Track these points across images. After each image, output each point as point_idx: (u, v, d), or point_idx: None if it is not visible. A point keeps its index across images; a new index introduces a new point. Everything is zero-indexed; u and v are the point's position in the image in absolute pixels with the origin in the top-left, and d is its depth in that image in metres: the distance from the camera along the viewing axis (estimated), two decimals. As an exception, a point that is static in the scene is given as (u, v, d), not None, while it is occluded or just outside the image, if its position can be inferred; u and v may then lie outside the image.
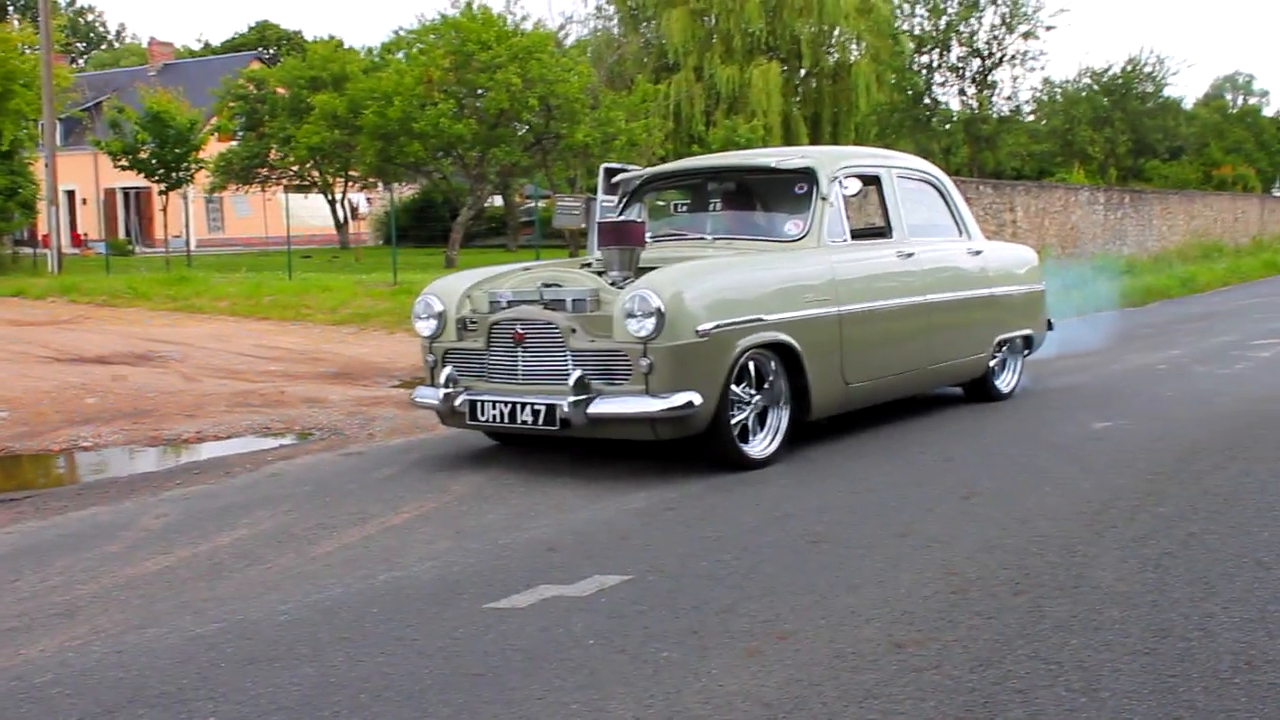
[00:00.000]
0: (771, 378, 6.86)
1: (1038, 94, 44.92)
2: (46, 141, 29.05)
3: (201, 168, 32.36)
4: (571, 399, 6.30)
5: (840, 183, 7.73)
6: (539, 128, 30.12)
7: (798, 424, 7.04)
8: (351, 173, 40.15)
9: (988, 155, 40.32)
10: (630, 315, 6.29)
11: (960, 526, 5.35)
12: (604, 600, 4.39)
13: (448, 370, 6.93)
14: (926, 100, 40.80)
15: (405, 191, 47.27)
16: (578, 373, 6.36)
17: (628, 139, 29.79)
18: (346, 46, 44.17)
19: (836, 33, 43.58)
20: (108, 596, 4.63)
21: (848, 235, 7.74)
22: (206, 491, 6.56)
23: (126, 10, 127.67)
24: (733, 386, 6.57)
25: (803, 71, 43.98)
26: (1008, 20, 38.98)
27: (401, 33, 33.82)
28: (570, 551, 5.07)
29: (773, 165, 8.00)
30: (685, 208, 8.61)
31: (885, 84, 41.03)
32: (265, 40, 67.67)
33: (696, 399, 6.29)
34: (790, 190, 7.85)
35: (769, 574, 4.66)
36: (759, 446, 6.77)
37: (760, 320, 6.69)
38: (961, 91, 40.99)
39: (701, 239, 7.90)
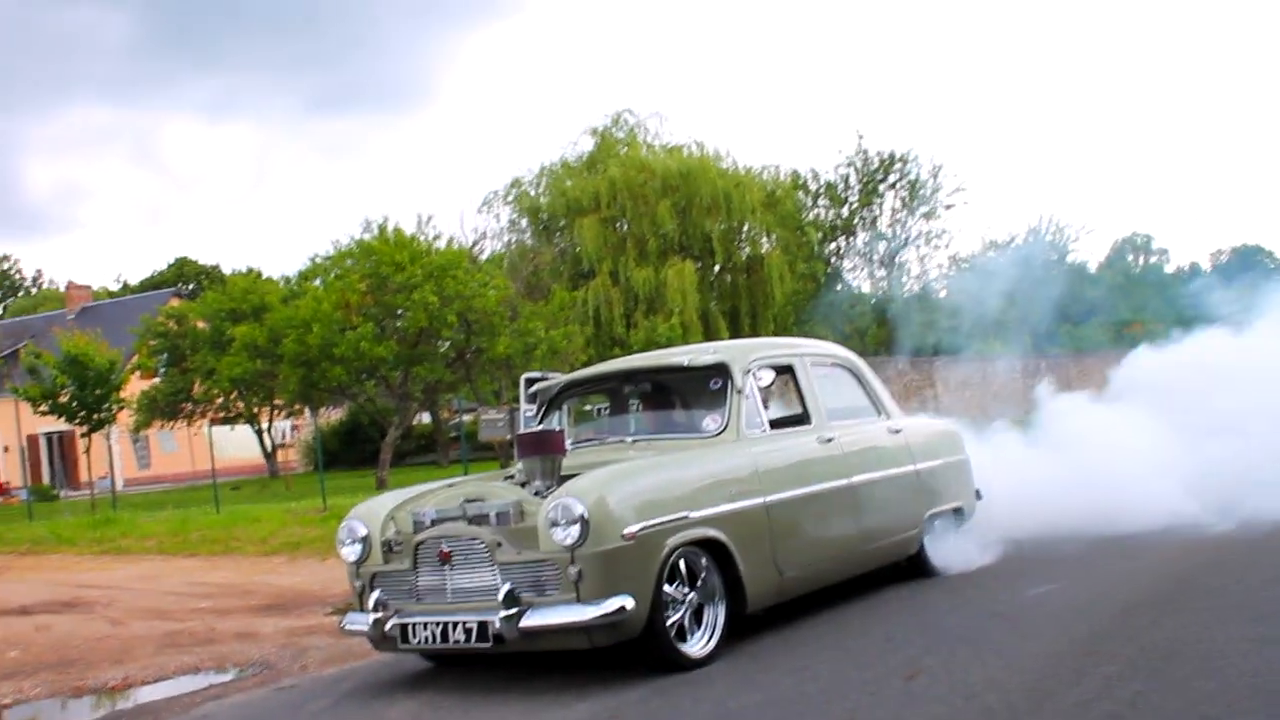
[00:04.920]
0: (704, 574, 6.79)
1: (946, 271, 46.04)
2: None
3: (124, 407, 32.06)
4: (503, 614, 6.22)
5: (754, 374, 7.83)
6: (460, 343, 30.31)
7: (736, 617, 6.97)
8: (276, 401, 40.01)
9: (903, 334, 41.08)
10: (554, 524, 6.24)
11: (905, 709, 5.29)
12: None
13: (376, 594, 6.81)
14: (838, 286, 41.67)
15: (332, 415, 47.14)
16: (507, 586, 6.30)
17: (548, 347, 30.01)
18: (265, 277, 44.53)
19: (746, 228, 44.64)
20: None
21: (766, 425, 7.80)
22: (134, 740, 6.35)
23: (43, 256, 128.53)
24: (665, 586, 6.51)
25: (716, 267, 44.82)
26: (907, 203, 40.21)
27: (318, 259, 34.19)
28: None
29: (685, 364, 8.10)
30: (605, 411, 8.68)
31: (797, 273, 41.91)
32: (184, 276, 68.01)
33: (629, 603, 6.22)
34: (706, 386, 7.92)
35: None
36: (697, 645, 6.67)
37: (686, 517, 6.66)
38: (871, 274, 41.97)
39: (621, 441, 7.95)
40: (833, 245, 41.36)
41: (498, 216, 46.09)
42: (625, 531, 6.30)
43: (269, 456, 44.25)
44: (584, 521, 6.19)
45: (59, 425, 35.40)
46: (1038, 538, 9.77)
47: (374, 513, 7.17)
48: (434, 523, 6.79)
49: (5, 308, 77.36)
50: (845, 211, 40.43)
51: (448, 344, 30.70)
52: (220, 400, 41.67)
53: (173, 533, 18.59)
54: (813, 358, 8.76)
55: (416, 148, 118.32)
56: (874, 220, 40.39)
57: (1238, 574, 7.72)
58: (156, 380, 42.67)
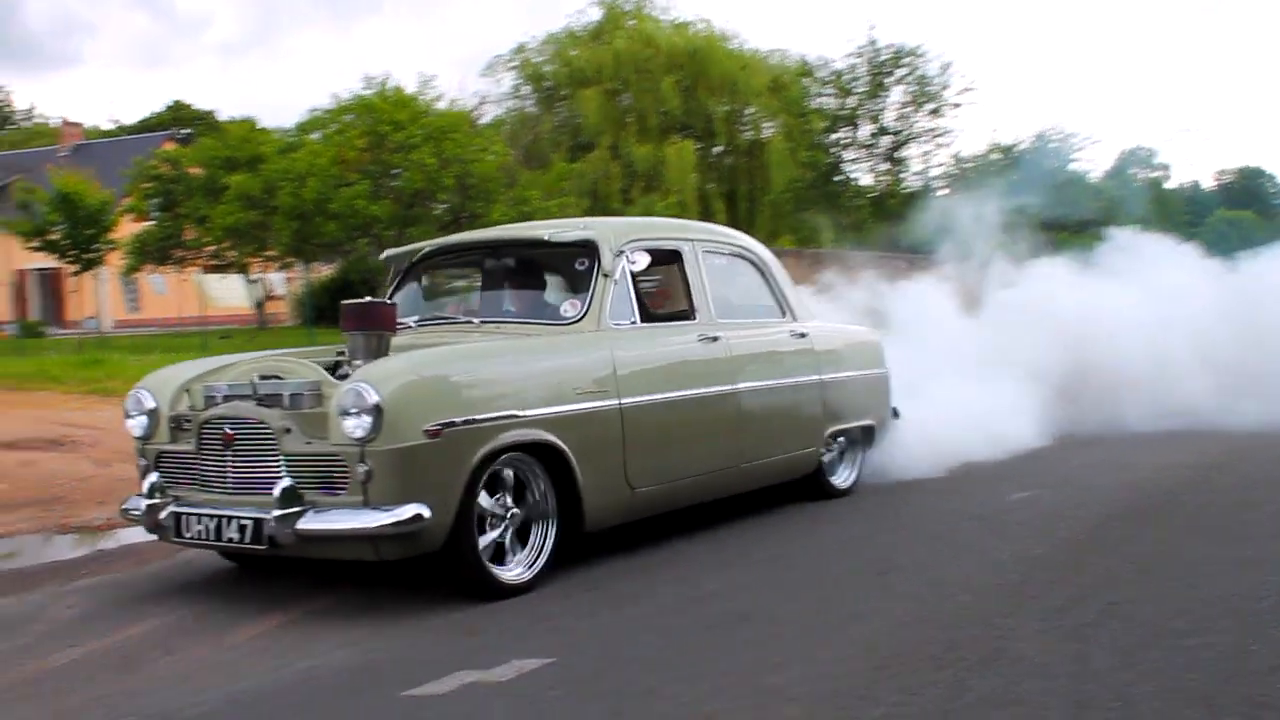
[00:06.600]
0: (533, 486, 5.89)
1: (948, 169, 45.62)
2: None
3: (114, 248, 31.88)
4: (277, 513, 5.26)
5: (627, 257, 6.79)
6: (455, 206, 30.16)
7: (577, 536, 6.10)
8: (268, 253, 39.83)
9: (901, 229, 40.91)
10: (345, 413, 5.26)
11: (882, 602, 5.35)
12: (525, 685, 4.32)
13: (153, 478, 5.89)
14: (838, 177, 41.34)
15: (323, 271, 46.99)
16: (286, 481, 5.34)
17: (544, 217, 29.90)
18: (262, 127, 43.98)
19: (750, 111, 44.28)
20: (14, 692, 4.49)
21: (637, 317, 6.73)
22: (119, 580, 6.42)
23: (37, 90, 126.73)
24: (482, 497, 5.59)
25: (717, 149, 44.54)
26: (915, 98, 39.75)
27: (317, 113, 33.77)
28: (491, 634, 5.00)
29: (546, 238, 7.11)
30: (461, 286, 7.93)
31: (798, 160, 41.62)
32: (180, 120, 66.96)
33: (425, 512, 5.25)
34: (571, 266, 6.90)
35: (692, 654, 4.63)
36: (516, 569, 5.74)
37: (514, 417, 5.69)
38: (872, 168, 41.63)
39: (469, 323, 6.89)
40: (835, 136, 40.94)
41: (500, 82, 45.57)
42: (428, 427, 5.32)
43: (259, 307, 44.17)
44: (378, 411, 5.20)
45: (48, 262, 35.28)
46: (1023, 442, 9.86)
47: (167, 382, 6.20)
48: (225, 399, 5.81)
49: (-3, 140, 76.48)
50: (851, 102, 39.95)
51: (443, 207, 30.54)
52: (212, 248, 41.45)
53: (159, 377, 18.53)
54: (706, 244, 7.61)
55: (426, 5, 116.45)
56: (879, 113, 39.96)
57: (1222, 494, 7.78)
58: (148, 224, 42.39)
